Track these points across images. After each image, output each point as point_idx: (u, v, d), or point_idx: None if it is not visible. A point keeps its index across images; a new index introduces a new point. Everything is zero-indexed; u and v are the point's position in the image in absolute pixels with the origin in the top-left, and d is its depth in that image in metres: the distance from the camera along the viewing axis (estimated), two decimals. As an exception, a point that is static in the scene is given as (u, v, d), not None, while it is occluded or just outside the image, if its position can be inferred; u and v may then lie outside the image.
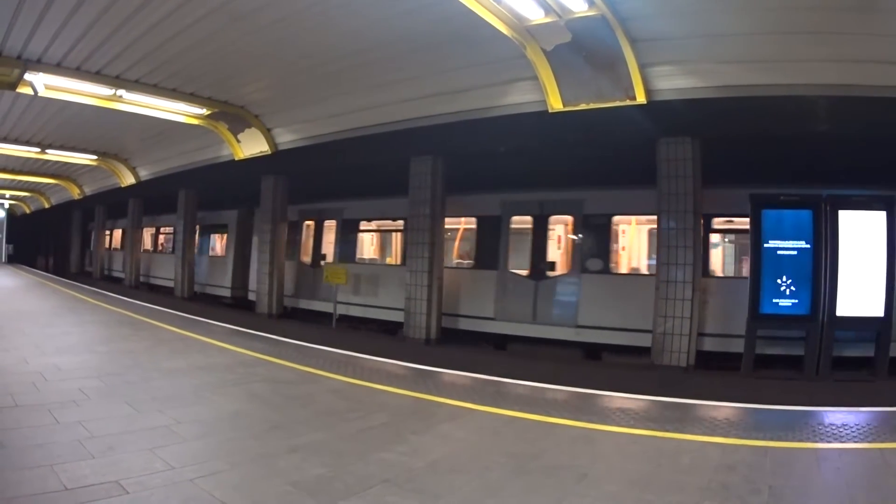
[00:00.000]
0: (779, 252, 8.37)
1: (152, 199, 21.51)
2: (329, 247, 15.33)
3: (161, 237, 23.62)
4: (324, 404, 5.29)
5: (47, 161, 20.65)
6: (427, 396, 5.70)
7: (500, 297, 11.60)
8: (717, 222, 9.95)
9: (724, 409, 5.45)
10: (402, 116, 11.14)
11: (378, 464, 3.80)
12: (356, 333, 12.80)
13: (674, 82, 8.22)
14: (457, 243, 13.08)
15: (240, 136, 14.38)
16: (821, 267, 8.21)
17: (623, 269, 11.05)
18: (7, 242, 41.42)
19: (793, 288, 8.30)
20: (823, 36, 7.11)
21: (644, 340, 9.46)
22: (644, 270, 10.85)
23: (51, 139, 17.14)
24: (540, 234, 11.47)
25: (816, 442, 4.47)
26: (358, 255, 14.89)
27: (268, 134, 13.89)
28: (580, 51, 7.95)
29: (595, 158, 10.52)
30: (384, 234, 15.15)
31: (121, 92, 11.59)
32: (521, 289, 11.34)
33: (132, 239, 22.68)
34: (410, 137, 11.23)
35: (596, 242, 10.85)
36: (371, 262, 15.10)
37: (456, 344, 11.44)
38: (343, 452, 3.99)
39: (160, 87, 11.66)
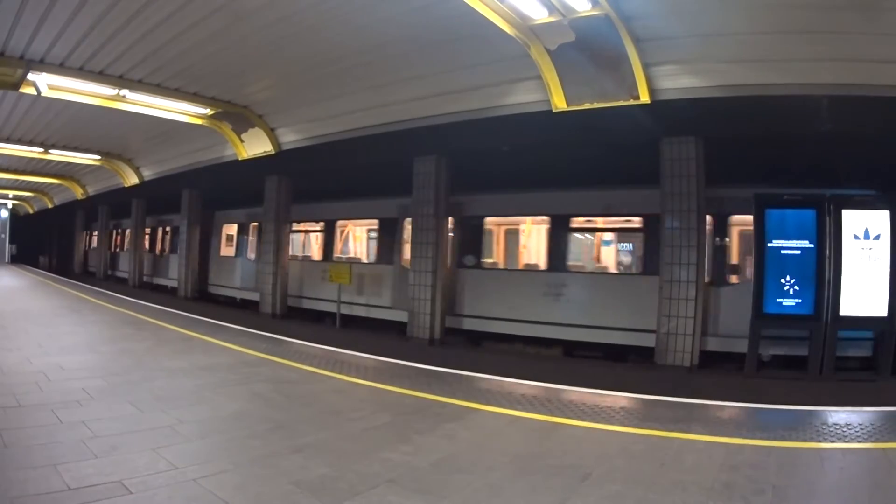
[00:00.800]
0: (782, 252, 8.35)
1: (155, 199, 21.56)
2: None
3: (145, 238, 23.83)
4: (327, 404, 5.29)
5: (50, 161, 20.70)
6: (431, 396, 5.69)
7: (395, 288, 12.62)
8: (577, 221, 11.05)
9: (728, 408, 5.44)
10: (407, 116, 11.12)
11: (382, 463, 3.79)
12: (361, 334, 12.81)
13: (677, 81, 8.21)
14: (376, 241, 14.39)
15: (243, 136, 14.38)
16: (824, 266, 8.19)
17: (516, 265, 12.12)
18: (10, 242, 41.51)
19: (796, 287, 8.28)
20: (824, 35, 7.09)
21: (516, 329, 10.60)
22: (542, 266, 11.34)
23: (54, 139, 17.16)
24: None
25: (820, 442, 4.46)
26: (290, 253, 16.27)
27: (271, 134, 13.90)
28: (584, 50, 7.93)
29: (592, 158, 10.51)
30: (310, 234, 16.57)
31: (124, 92, 11.58)
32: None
33: (136, 239, 22.66)
34: (415, 137, 11.21)
35: (471, 241, 11.92)
36: (304, 258, 16.59)
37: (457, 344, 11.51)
38: (347, 452, 3.99)
39: (163, 87, 11.65)
